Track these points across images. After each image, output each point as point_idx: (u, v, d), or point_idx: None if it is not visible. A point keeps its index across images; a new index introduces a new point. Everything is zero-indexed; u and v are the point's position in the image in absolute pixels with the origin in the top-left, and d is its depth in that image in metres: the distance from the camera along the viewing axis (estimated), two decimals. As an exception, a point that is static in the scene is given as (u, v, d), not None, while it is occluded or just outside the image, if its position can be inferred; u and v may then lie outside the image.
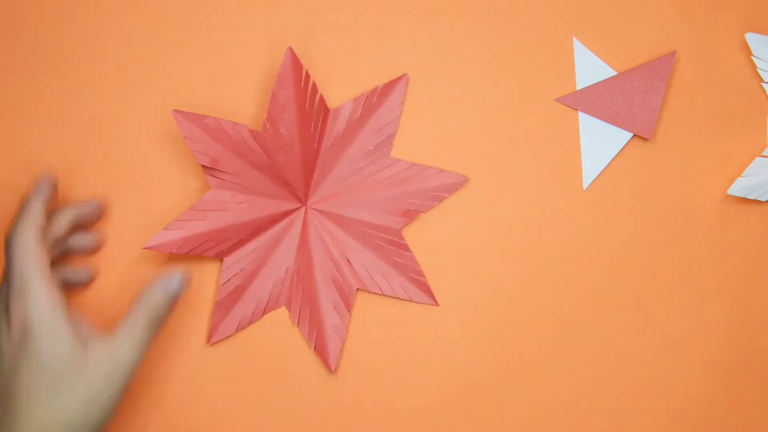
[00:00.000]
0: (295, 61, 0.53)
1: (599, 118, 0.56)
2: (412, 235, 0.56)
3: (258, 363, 0.55)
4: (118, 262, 0.55)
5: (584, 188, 0.56)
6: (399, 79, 0.56)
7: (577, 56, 0.56)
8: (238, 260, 0.54)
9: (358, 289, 0.55)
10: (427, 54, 0.56)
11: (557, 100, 0.56)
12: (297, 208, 0.55)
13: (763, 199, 0.55)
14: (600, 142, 0.56)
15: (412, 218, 0.55)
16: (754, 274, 0.56)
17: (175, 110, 0.53)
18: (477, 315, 0.56)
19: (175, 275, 0.50)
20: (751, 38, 0.56)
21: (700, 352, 0.56)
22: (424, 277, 0.55)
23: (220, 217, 0.54)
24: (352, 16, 0.56)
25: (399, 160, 0.55)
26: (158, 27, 0.56)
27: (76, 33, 0.56)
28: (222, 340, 0.55)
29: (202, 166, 0.53)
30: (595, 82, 0.56)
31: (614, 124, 0.56)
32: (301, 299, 0.55)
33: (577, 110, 0.56)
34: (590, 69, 0.56)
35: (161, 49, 0.56)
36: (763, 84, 0.56)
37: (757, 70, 0.56)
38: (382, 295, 0.55)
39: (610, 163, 0.56)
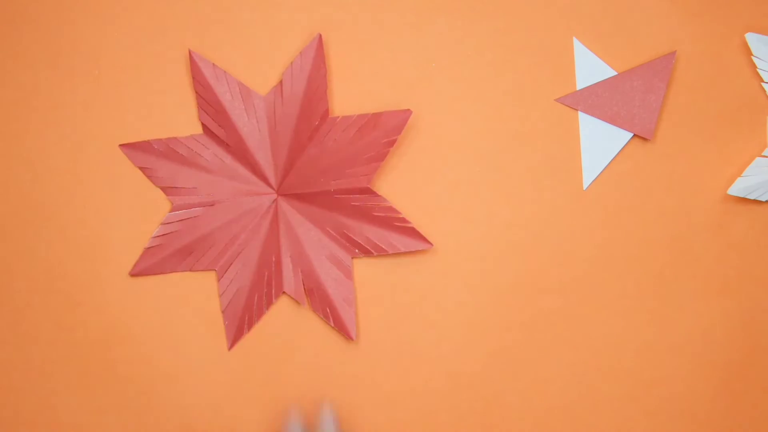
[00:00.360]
0: (203, 61, 0.54)
1: (599, 118, 0.56)
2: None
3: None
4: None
5: (584, 188, 0.56)
6: (312, 41, 0.55)
7: (577, 56, 0.56)
8: (229, 265, 0.55)
9: (353, 257, 0.55)
10: (427, 54, 0.56)
11: (557, 100, 0.56)
12: (270, 198, 0.55)
13: (763, 199, 0.55)
14: (600, 142, 0.56)
15: (374, 171, 0.54)
16: (754, 274, 0.56)
17: (122, 144, 0.54)
18: (474, 315, 0.56)
19: (292, 423, 0.53)
20: (751, 38, 0.56)
21: (700, 352, 0.56)
22: (409, 222, 0.55)
23: (193, 228, 0.55)
24: (351, 17, 0.56)
25: (338, 117, 0.55)
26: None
27: (76, 33, 0.56)
28: (239, 341, 0.56)
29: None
30: (595, 82, 0.56)
31: (614, 124, 0.56)
32: (304, 282, 0.55)
33: (577, 110, 0.56)
34: (590, 69, 0.56)
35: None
36: (763, 84, 0.56)
37: (757, 70, 0.56)
38: (378, 255, 0.55)
39: (610, 163, 0.56)
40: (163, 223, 0.55)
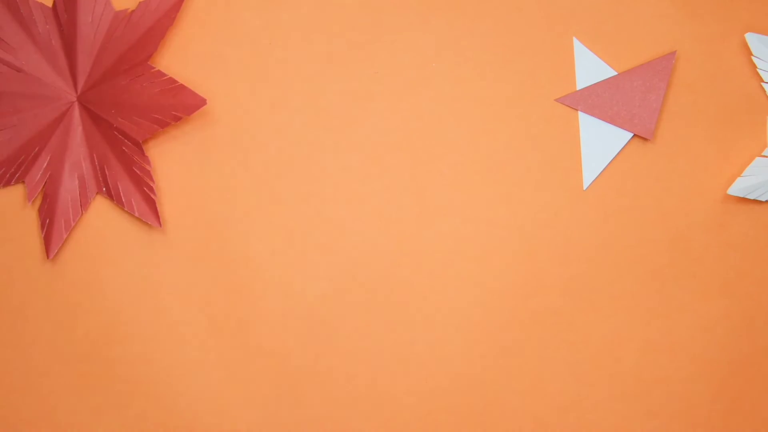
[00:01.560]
0: None
1: (599, 118, 0.56)
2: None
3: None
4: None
5: (584, 188, 0.56)
6: None
7: (577, 56, 0.56)
8: (38, 173, 0.56)
9: (97, 193, 0.57)
10: (427, 54, 0.56)
11: (557, 100, 0.56)
12: (69, 105, 0.56)
13: (763, 199, 0.55)
14: (600, 142, 0.56)
15: (152, 133, 0.56)
16: (754, 274, 0.56)
17: None
18: (475, 315, 0.56)
19: None
20: (751, 38, 0.56)
21: (700, 352, 0.56)
22: (154, 193, 0.56)
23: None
24: (347, 17, 0.56)
25: (158, 72, 0.56)
26: None
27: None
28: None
29: None
30: (595, 82, 0.56)
31: (614, 124, 0.56)
32: (47, 188, 0.56)
33: (577, 110, 0.56)
34: (590, 69, 0.56)
35: None
36: (763, 84, 0.56)
37: (757, 70, 0.56)
38: (117, 204, 0.56)
39: (610, 163, 0.56)
40: None
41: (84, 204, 0.56)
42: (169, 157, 0.56)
